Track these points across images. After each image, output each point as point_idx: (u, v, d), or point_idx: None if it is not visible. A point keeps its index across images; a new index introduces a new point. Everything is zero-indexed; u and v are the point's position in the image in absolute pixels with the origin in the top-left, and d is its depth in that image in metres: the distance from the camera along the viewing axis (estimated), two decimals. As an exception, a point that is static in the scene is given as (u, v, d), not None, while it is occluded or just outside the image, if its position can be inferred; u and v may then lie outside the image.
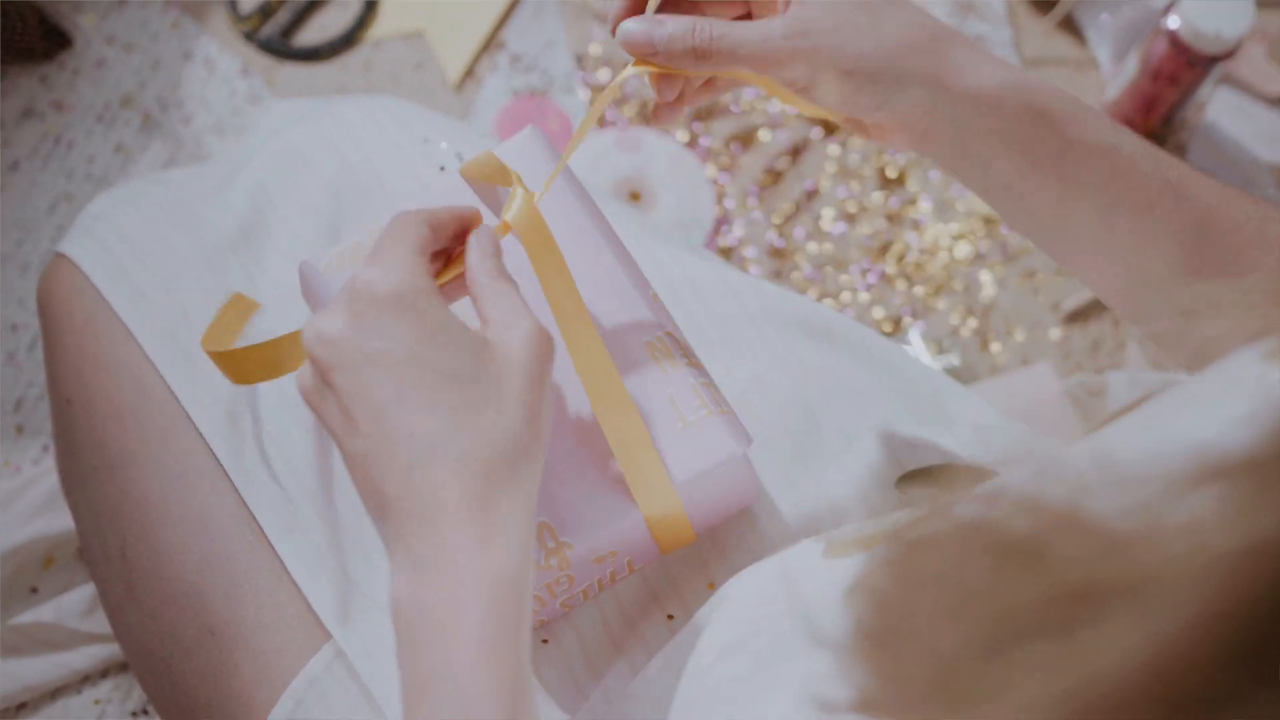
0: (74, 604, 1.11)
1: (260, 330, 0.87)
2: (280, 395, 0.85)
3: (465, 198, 0.79)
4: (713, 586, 0.82)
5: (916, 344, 1.38)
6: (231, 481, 0.83)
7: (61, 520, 1.13)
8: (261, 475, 0.83)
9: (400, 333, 0.60)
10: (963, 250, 1.44)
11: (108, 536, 0.86)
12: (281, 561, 0.81)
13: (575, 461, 0.74)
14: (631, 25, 0.69)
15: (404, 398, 0.59)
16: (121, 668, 1.14)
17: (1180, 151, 1.50)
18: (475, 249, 0.67)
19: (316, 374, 0.62)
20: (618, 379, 0.73)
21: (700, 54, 0.68)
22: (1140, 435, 0.48)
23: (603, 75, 1.47)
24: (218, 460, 0.83)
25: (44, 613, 1.10)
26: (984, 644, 0.41)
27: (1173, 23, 1.34)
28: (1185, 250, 0.69)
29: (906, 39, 0.69)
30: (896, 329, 1.40)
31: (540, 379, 0.62)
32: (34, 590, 1.12)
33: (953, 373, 1.36)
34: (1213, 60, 1.34)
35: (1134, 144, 0.70)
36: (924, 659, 0.43)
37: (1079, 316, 1.42)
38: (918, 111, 0.70)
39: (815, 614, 0.59)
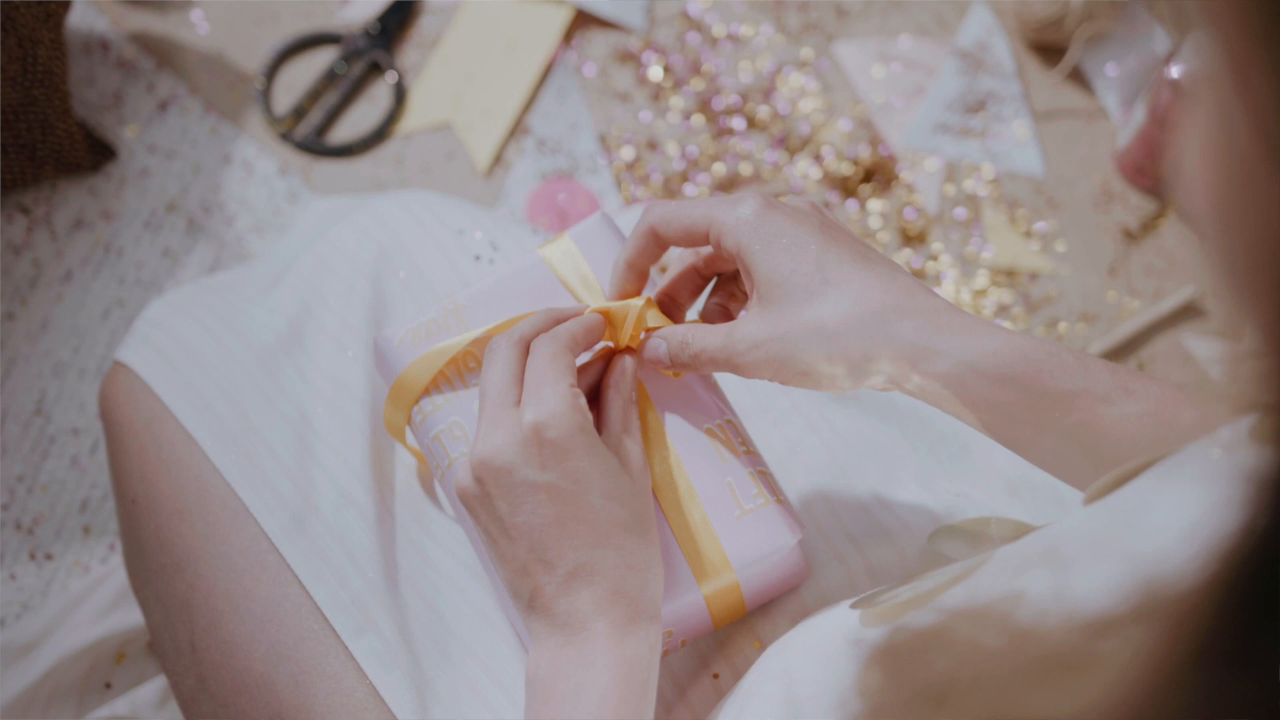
0: (147, 697, 1.14)
1: (317, 411, 0.91)
2: (340, 493, 0.88)
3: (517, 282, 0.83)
4: (759, 645, 0.84)
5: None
6: (296, 575, 0.86)
7: (131, 616, 1.17)
8: (330, 578, 0.86)
9: (567, 470, 0.68)
10: (987, 304, 1.47)
11: (178, 631, 0.89)
12: (347, 648, 0.84)
13: None
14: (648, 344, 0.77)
15: (564, 522, 0.68)
16: (195, 756, 1.17)
17: (1194, 193, 1.52)
18: (617, 376, 0.76)
19: (479, 487, 0.70)
20: (683, 470, 0.78)
21: (684, 366, 0.76)
22: (1099, 553, 0.49)
23: (626, 153, 1.51)
24: (280, 553, 0.87)
25: (119, 707, 1.13)
26: None
27: (1176, 71, 1.37)
28: None
29: (864, 328, 0.70)
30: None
31: (650, 491, 0.73)
32: (108, 686, 1.16)
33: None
34: (1218, 105, 1.37)
35: (1104, 380, 0.68)
36: None
37: (1104, 361, 1.45)
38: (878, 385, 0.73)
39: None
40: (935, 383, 0.69)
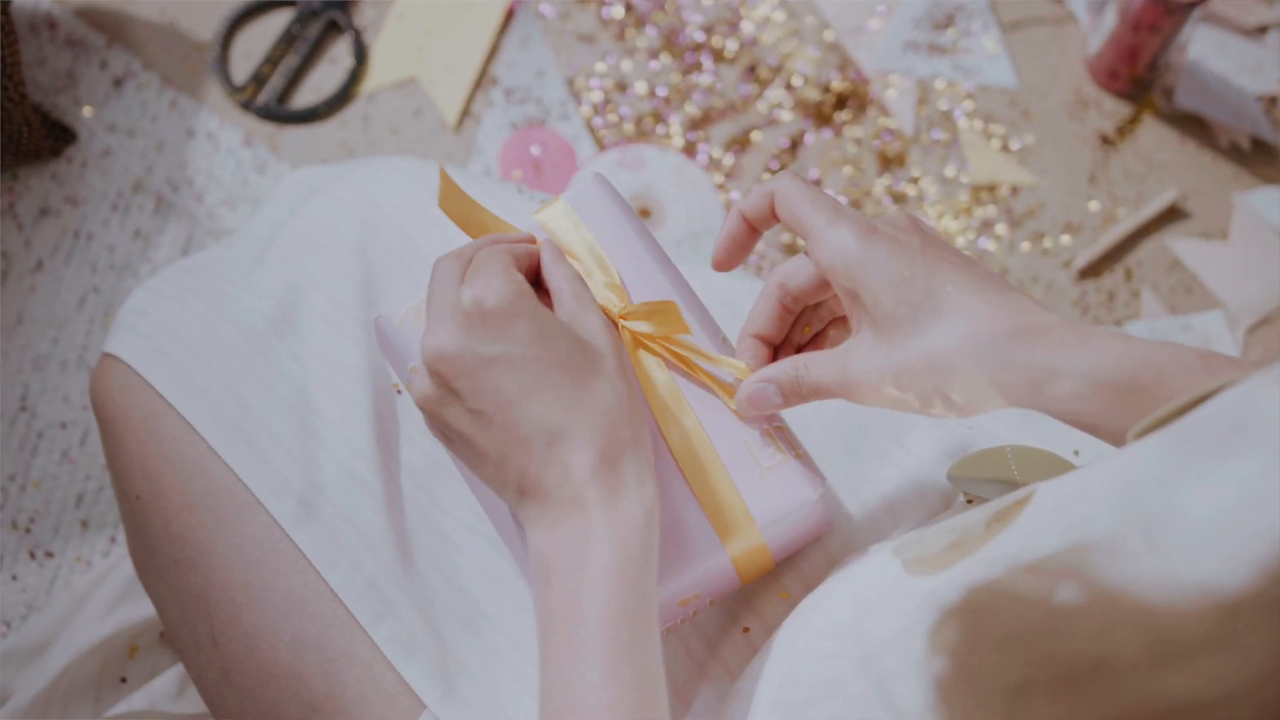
0: (163, 688, 1.14)
1: (317, 396, 0.90)
2: (347, 475, 0.87)
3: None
4: (787, 596, 0.84)
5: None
6: (312, 563, 0.85)
7: (139, 608, 1.16)
8: (344, 562, 0.85)
9: (515, 336, 0.68)
10: (972, 222, 1.46)
11: (196, 625, 0.88)
12: (373, 639, 0.83)
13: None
14: (747, 392, 0.76)
15: (527, 390, 0.68)
16: (219, 744, 1.17)
17: (1168, 93, 1.52)
18: (547, 252, 0.77)
19: (438, 386, 0.69)
20: (703, 432, 0.77)
21: (797, 400, 0.75)
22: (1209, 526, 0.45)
23: (595, 97, 1.49)
24: (295, 544, 0.86)
25: (136, 701, 1.13)
26: None
27: (1147, -26, 1.36)
28: None
29: (982, 357, 0.68)
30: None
31: (621, 353, 0.72)
32: (123, 680, 1.15)
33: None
34: (1191, 5, 1.36)
35: (1229, 378, 0.67)
36: None
37: (1091, 271, 1.45)
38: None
39: (891, 682, 0.61)
40: (1061, 402, 0.67)
